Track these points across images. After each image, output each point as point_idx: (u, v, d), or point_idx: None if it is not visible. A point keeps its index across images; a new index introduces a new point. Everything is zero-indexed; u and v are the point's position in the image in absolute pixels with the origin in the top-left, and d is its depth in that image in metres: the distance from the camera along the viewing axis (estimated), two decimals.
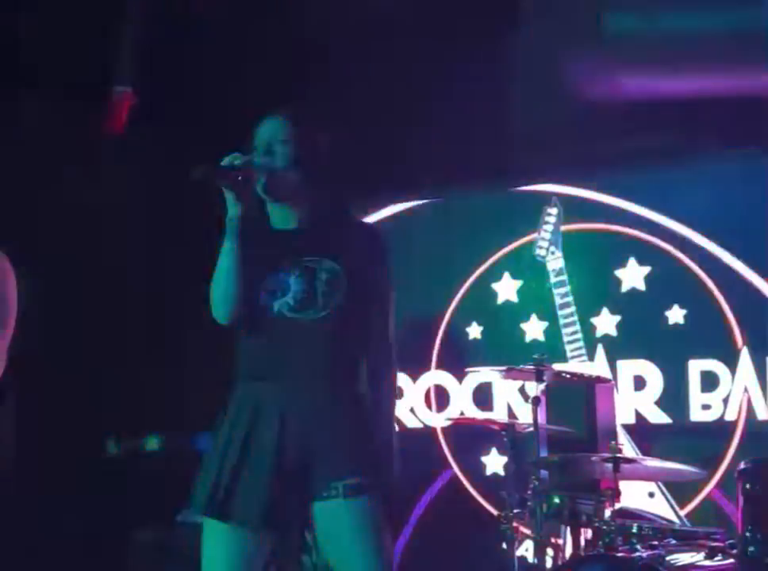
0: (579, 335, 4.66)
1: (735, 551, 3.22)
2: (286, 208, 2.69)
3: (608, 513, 3.51)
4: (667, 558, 3.24)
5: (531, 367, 3.84)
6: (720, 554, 3.29)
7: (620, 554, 3.28)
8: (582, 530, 3.71)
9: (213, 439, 2.65)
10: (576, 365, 4.60)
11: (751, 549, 3.12)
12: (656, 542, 3.39)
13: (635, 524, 3.56)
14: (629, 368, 4.56)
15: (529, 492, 3.75)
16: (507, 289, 4.83)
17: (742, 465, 3.28)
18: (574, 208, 4.73)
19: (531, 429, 3.84)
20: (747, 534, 3.14)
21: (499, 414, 4.67)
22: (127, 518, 4.88)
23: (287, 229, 2.69)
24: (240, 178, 2.56)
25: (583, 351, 4.64)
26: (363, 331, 2.66)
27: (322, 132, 2.74)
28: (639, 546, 3.34)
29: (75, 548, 4.98)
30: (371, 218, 5.01)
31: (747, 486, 3.19)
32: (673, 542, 3.41)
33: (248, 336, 2.63)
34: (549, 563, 3.90)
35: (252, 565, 2.57)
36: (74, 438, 5.11)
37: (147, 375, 5.23)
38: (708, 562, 3.29)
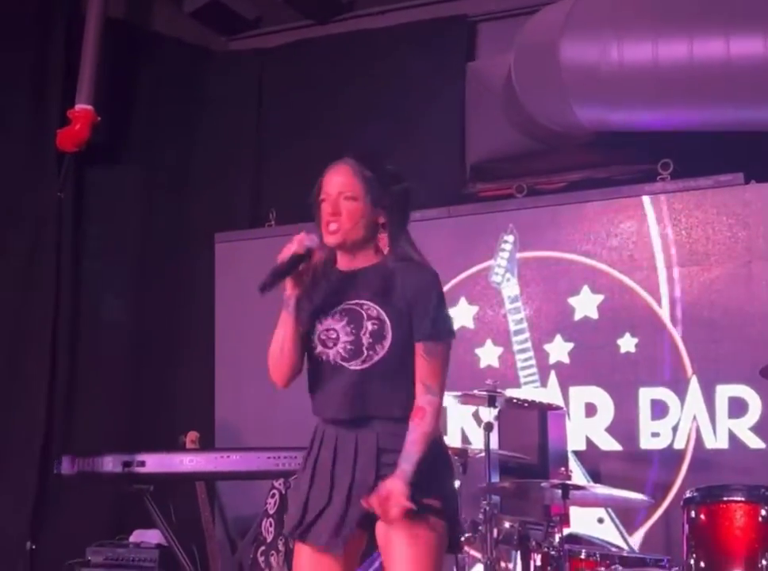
0: (533, 362, 4.74)
1: None
2: (344, 253, 2.78)
3: (557, 539, 3.59)
4: None
5: (484, 393, 3.91)
6: None
7: None
8: (533, 555, 3.77)
9: (301, 471, 2.81)
10: (529, 390, 4.66)
11: None
12: (603, 569, 3.47)
13: (584, 550, 3.66)
14: (581, 395, 4.64)
15: (481, 516, 3.81)
16: (463, 314, 4.88)
17: (687, 494, 3.37)
18: (529, 237, 4.81)
19: (484, 454, 3.91)
20: (691, 561, 3.23)
21: (453, 439, 4.73)
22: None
23: (343, 270, 2.79)
24: (300, 268, 2.70)
25: (536, 377, 4.71)
26: (408, 370, 2.74)
27: (383, 183, 2.77)
28: None
29: None
30: None
31: (692, 514, 3.27)
32: (620, 568, 3.49)
33: (313, 382, 2.80)
34: None
35: None
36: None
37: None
38: None
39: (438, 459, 2.76)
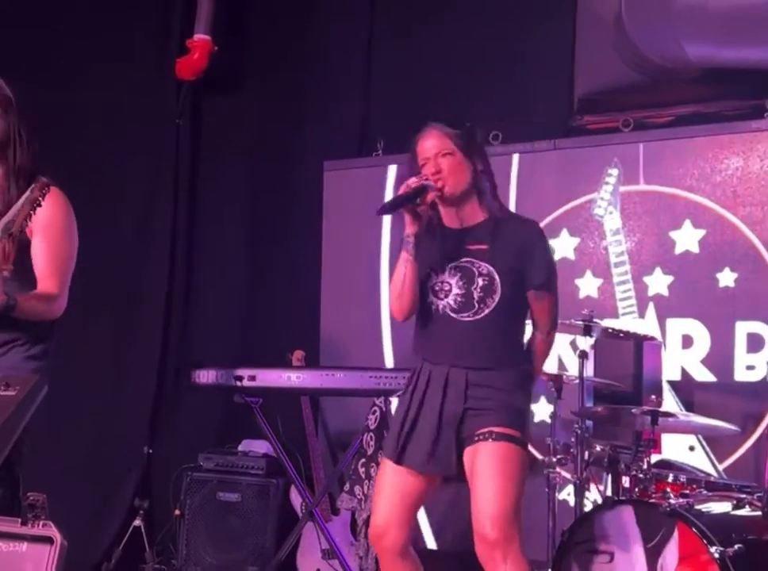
0: (632, 293, 4.79)
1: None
2: (453, 209, 3.07)
3: (645, 463, 3.70)
4: (696, 507, 3.42)
5: (580, 323, 4.02)
6: (747, 506, 3.48)
7: (651, 501, 3.47)
8: (622, 477, 3.89)
9: (400, 402, 3.14)
10: (627, 321, 4.73)
11: None
12: (688, 492, 3.58)
13: (671, 474, 3.77)
14: (678, 327, 4.68)
15: (573, 439, 3.95)
16: (564, 245, 4.96)
17: None
18: (633, 171, 4.86)
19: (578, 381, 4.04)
20: None
21: (550, 365, 4.82)
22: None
23: (454, 228, 3.07)
24: (417, 201, 2.96)
25: (635, 309, 4.78)
26: (518, 319, 3.08)
27: (476, 137, 3.10)
28: (671, 495, 3.54)
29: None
30: None
31: None
32: (705, 492, 3.60)
33: (421, 325, 3.09)
34: (588, 507, 4.11)
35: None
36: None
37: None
38: (735, 512, 3.47)
39: (526, 399, 3.06)
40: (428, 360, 3.05)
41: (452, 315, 3.00)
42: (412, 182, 2.96)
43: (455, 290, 3.00)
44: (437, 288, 3.03)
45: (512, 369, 3.02)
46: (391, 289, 3.06)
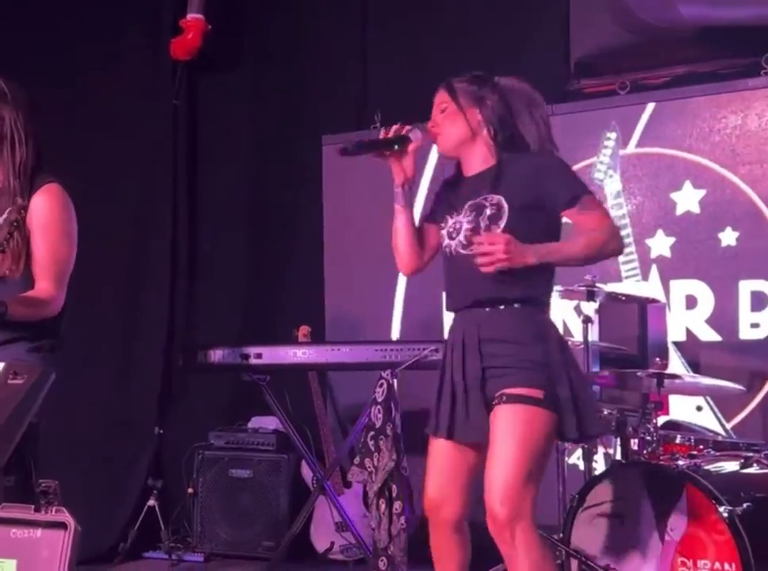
0: (634, 256, 4.80)
1: None
2: (465, 159, 3.05)
3: (653, 425, 3.72)
4: (705, 467, 3.43)
5: (583, 288, 4.03)
6: (755, 464, 3.50)
7: (659, 463, 3.49)
8: (630, 440, 3.91)
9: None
10: (631, 284, 4.74)
11: None
12: (696, 452, 3.60)
13: (678, 435, 3.79)
14: (681, 287, 4.69)
15: None
16: None
17: None
18: (632, 133, 4.84)
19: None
20: None
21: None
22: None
23: (469, 176, 3.04)
24: (395, 148, 2.96)
25: (638, 271, 4.79)
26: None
27: (474, 85, 3.04)
28: (679, 456, 3.57)
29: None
30: None
31: None
32: (713, 452, 3.62)
33: (444, 277, 3.04)
34: (598, 471, 4.13)
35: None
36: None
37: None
38: (743, 471, 3.49)
39: (547, 350, 2.86)
40: (452, 309, 3.01)
41: (462, 251, 2.92)
42: (393, 130, 2.99)
43: (465, 225, 2.93)
44: (451, 229, 2.98)
45: (528, 314, 2.89)
46: (393, 246, 3.06)
